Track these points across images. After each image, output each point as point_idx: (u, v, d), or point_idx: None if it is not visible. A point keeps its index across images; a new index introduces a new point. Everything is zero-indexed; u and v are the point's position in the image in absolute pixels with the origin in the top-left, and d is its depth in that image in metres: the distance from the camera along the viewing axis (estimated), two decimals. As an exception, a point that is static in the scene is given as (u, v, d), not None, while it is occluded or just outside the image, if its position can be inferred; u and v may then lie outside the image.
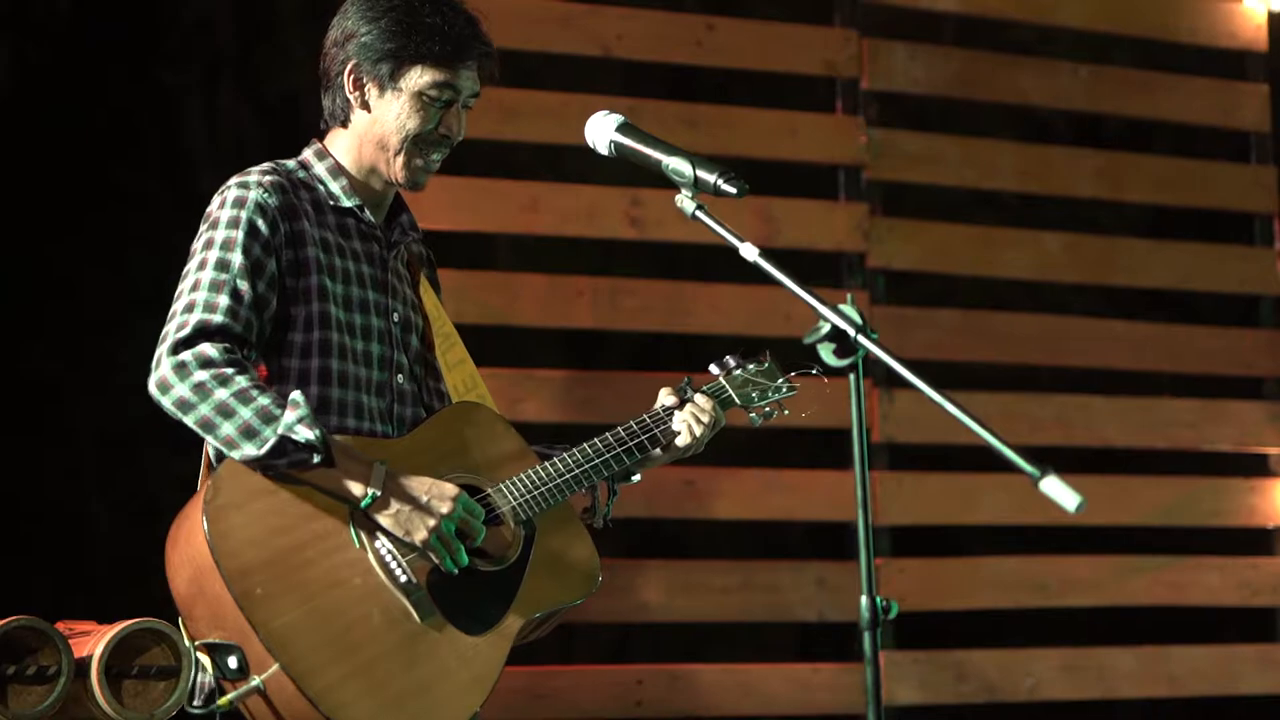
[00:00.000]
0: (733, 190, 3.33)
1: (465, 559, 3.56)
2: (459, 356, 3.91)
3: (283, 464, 3.46)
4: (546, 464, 3.75)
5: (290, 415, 3.45)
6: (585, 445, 3.79)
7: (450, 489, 3.55)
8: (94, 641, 3.87)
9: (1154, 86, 7.01)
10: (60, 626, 3.91)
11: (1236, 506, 6.84)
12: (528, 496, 3.70)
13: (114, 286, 5.92)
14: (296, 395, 3.47)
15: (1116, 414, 6.74)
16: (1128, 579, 6.64)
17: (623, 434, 3.81)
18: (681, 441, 3.83)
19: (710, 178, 3.35)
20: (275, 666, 3.40)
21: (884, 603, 3.03)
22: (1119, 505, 6.63)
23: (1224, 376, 6.95)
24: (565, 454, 3.77)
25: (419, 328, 3.87)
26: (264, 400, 3.46)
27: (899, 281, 6.56)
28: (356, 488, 3.50)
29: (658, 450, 3.85)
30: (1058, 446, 6.54)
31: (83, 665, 3.84)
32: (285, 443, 3.44)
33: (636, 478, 3.92)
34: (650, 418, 3.85)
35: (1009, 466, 2.84)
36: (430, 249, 4.02)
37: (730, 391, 3.91)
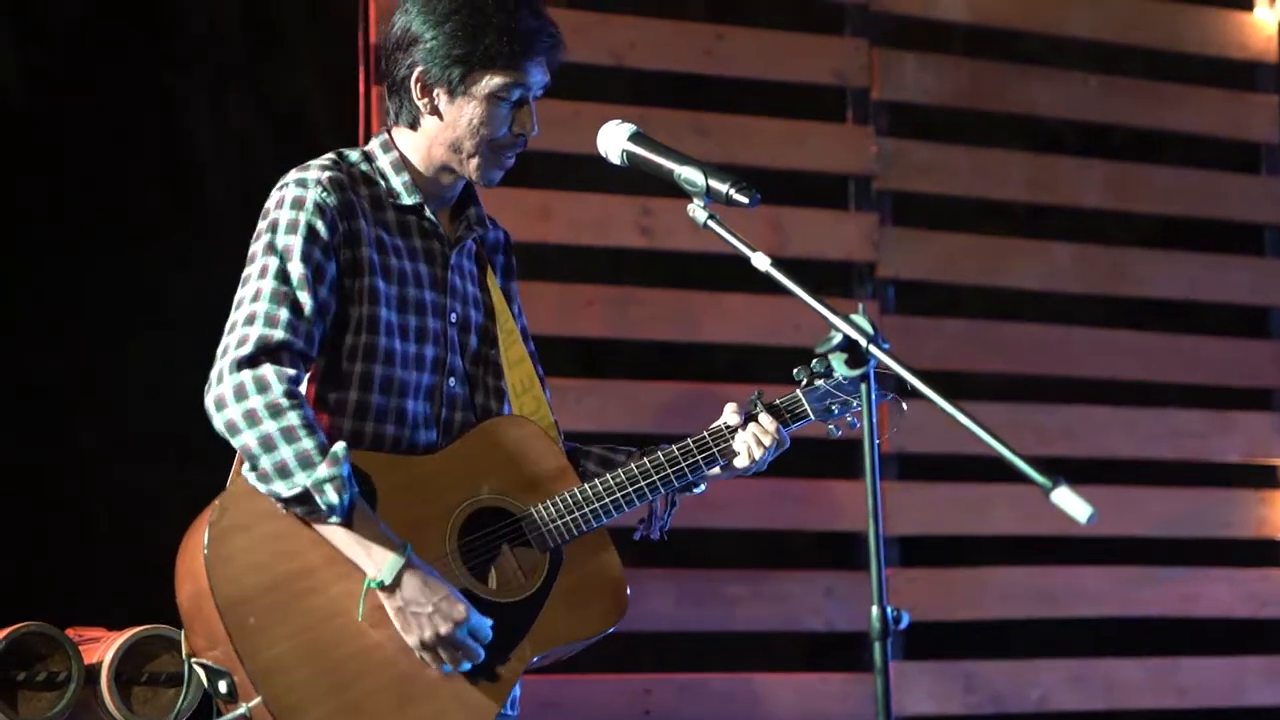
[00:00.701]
0: (745, 200, 3.31)
1: (466, 665, 3.49)
2: (519, 355, 3.81)
3: (300, 511, 3.42)
4: (585, 486, 3.64)
5: (325, 470, 3.38)
6: (633, 465, 3.66)
7: (459, 611, 3.43)
8: (104, 648, 3.87)
9: (1164, 97, 7.00)
10: (70, 633, 3.92)
11: (1245, 518, 6.83)
12: (559, 522, 3.60)
13: (119, 292, 5.91)
14: (339, 449, 3.40)
15: (1124, 425, 6.73)
16: (1136, 590, 6.63)
17: (676, 453, 3.68)
18: (740, 463, 3.70)
19: (722, 187, 3.33)
20: (259, 699, 3.38)
21: (895, 613, 3.02)
22: (1127, 516, 6.62)
23: (1233, 388, 6.94)
24: (609, 474, 3.66)
25: (480, 326, 3.79)
26: (307, 443, 3.39)
27: (908, 291, 6.55)
28: (369, 566, 3.42)
29: (715, 469, 3.72)
30: (1065, 457, 6.53)
31: (93, 671, 3.84)
32: (309, 496, 3.40)
33: (700, 489, 3.78)
34: (710, 436, 3.71)
35: (1019, 477, 2.83)
36: (507, 232, 3.97)
37: (806, 406, 3.74)
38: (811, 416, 3.75)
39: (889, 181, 6.52)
